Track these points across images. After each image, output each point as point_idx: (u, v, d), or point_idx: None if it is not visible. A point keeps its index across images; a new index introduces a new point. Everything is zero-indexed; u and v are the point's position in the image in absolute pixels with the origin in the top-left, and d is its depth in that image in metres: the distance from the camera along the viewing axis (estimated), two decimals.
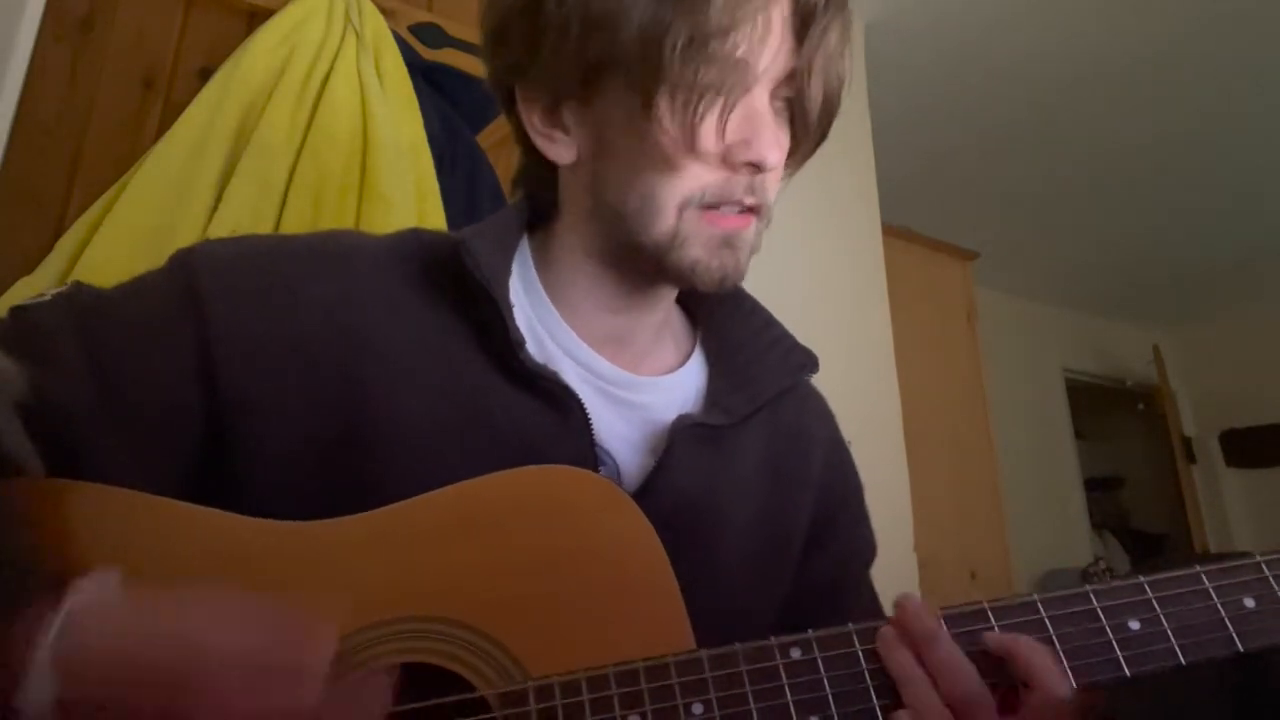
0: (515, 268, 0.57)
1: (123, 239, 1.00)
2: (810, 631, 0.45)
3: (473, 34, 1.39)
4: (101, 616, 0.36)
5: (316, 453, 0.48)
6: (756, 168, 0.51)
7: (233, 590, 0.39)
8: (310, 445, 0.48)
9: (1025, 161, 2.86)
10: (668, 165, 0.50)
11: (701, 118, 0.49)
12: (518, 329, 0.51)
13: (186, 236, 1.02)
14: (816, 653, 0.44)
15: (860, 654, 0.44)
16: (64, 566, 0.40)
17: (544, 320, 0.56)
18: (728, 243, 0.52)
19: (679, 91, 0.48)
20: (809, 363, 0.62)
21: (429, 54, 1.33)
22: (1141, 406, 4.36)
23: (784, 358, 0.62)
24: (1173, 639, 0.44)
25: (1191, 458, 4.17)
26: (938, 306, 2.50)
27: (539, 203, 0.60)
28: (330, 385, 0.49)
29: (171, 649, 0.36)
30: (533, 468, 0.48)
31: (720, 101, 0.49)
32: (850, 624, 0.45)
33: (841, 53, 0.52)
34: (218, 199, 1.06)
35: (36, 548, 0.40)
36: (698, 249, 0.52)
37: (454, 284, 0.52)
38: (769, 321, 0.64)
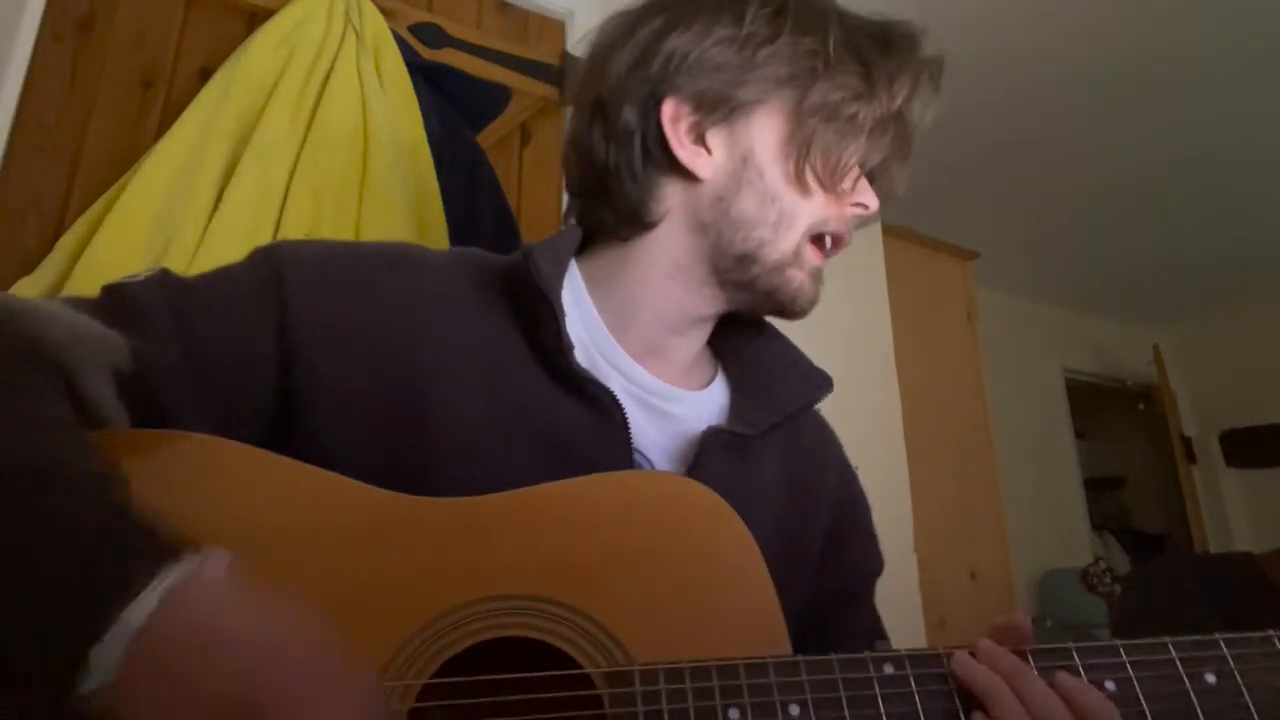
0: (565, 283, 0.62)
1: (123, 239, 1.00)
2: (903, 650, 0.48)
3: (473, 34, 1.39)
4: (203, 601, 0.36)
5: (377, 436, 0.52)
6: (865, 209, 0.63)
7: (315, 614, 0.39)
8: (372, 428, 0.52)
9: (1025, 162, 2.86)
10: (806, 192, 0.60)
11: (851, 167, 0.61)
12: (568, 335, 0.56)
13: (187, 236, 1.03)
14: (909, 669, 0.47)
15: (949, 675, 0.47)
16: (193, 521, 0.42)
17: (592, 333, 0.61)
18: (819, 275, 0.63)
19: (843, 145, 0.59)
20: (825, 384, 0.67)
21: (429, 54, 1.33)
22: (1141, 406, 4.36)
23: (803, 379, 0.67)
24: (1246, 695, 0.47)
25: (1191, 458, 4.17)
26: (938, 306, 2.50)
27: (592, 227, 0.65)
28: (395, 373, 0.53)
29: (257, 669, 0.35)
30: (642, 472, 0.55)
31: (862, 163, 0.61)
32: (941, 647, 0.48)
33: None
34: (218, 199, 1.06)
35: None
36: (805, 274, 0.62)
37: (510, 293, 0.58)
38: (787, 346, 0.69)
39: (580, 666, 0.46)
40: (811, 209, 0.61)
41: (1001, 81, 2.39)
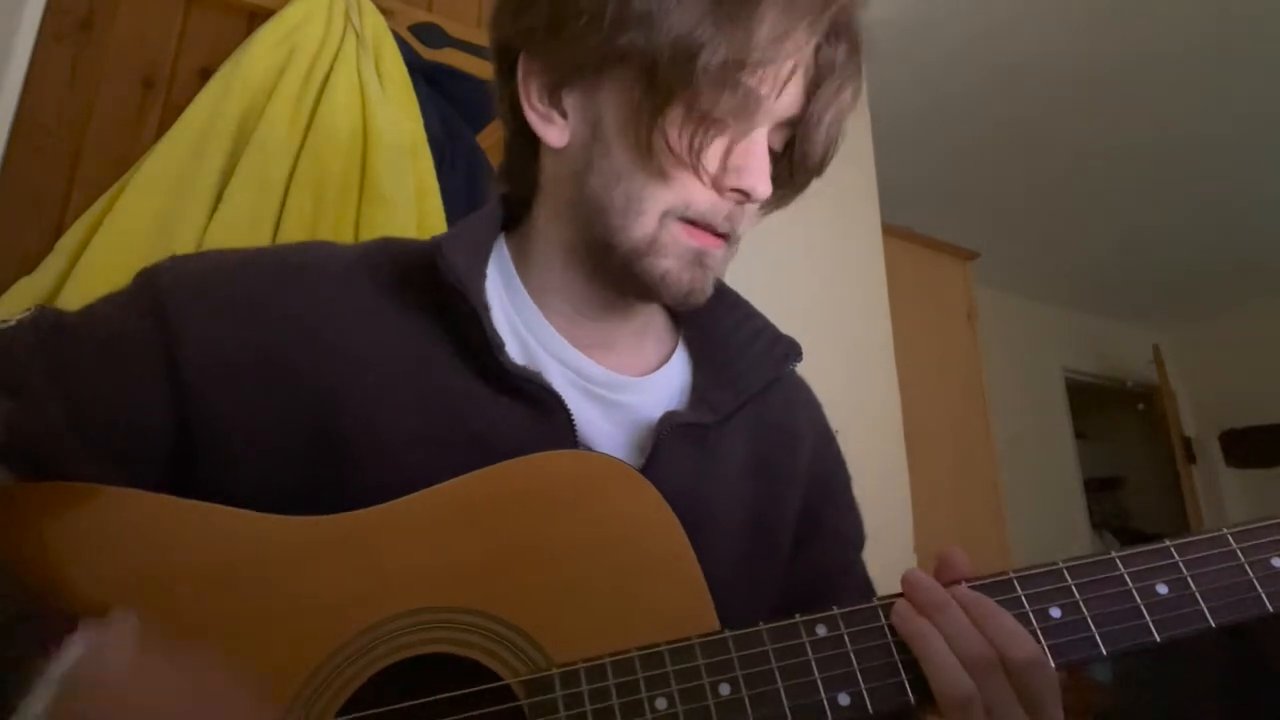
0: (493, 269, 0.57)
1: (123, 239, 1.00)
2: (835, 608, 0.45)
3: (473, 34, 1.39)
4: (102, 673, 0.36)
5: (292, 465, 0.47)
6: (745, 197, 0.52)
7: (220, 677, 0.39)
8: (285, 458, 0.47)
9: (1026, 161, 2.86)
10: (660, 173, 0.50)
11: (711, 140, 0.49)
12: (496, 332, 0.51)
13: (186, 237, 1.02)
14: (842, 628, 0.44)
15: (886, 628, 0.44)
16: (76, 575, 0.41)
17: (527, 321, 0.56)
18: (700, 259, 0.53)
19: (695, 109, 0.49)
20: (792, 353, 0.61)
21: (429, 54, 1.33)
22: (1141, 406, 4.36)
23: (768, 349, 0.61)
24: (1202, 602, 0.44)
25: (1191, 458, 4.17)
26: (938, 306, 2.50)
27: (515, 201, 0.59)
28: (303, 398, 0.48)
29: None
30: (547, 453, 0.48)
31: (730, 130, 0.50)
32: (875, 598, 0.45)
33: (847, 112, 0.54)
34: (218, 199, 1.06)
35: (37, 593, 0.40)
36: (671, 259, 0.52)
37: (428, 290, 0.52)
38: (750, 314, 0.63)
39: (499, 678, 0.43)
40: (667, 194, 0.51)
41: (1002, 81, 2.39)
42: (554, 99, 0.53)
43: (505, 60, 0.55)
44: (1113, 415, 4.60)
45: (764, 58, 0.48)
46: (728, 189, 0.51)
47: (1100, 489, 4.42)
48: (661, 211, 0.51)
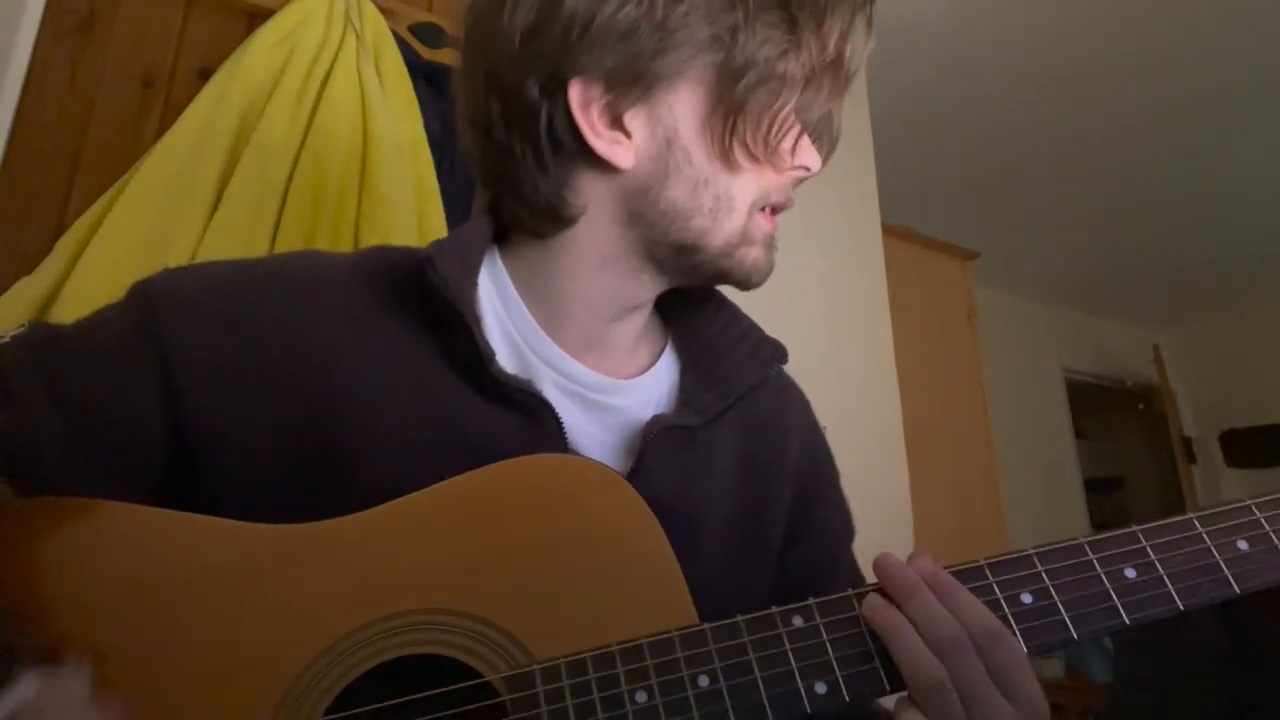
0: (487, 280, 0.57)
1: (123, 239, 1.00)
2: (811, 599, 0.46)
3: None
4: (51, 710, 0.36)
5: (287, 473, 0.48)
6: (807, 171, 0.58)
7: None
8: (280, 466, 0.48)
9: (1026, 161, 2.86)
10: (738, 168, 0.54)
11: (788, 133, 0.55)
12: (487, 342, 0.51)
13: (186, 237, 1.02)
14: (818, 618, 0.45)
15: (860, 617, 0.45)
16: (70, 584, 0.42)
17: (521, 330, 0.56)
18: (772, 242, 0.58)
19: (777, 107, 0.53)
20: (778, 355, 0.62)
21: (429, 54, 1.33)
22: (1141, 406, 4.36)
23: (754, 352, 0.62)
24: (1169, 584, 0.45)
25: (1191, 458, 4.17)
26: (938, 306, 2.50)
27: (504, 213, 0.58)
28: (298, 407, 0.49)
29: None
30: (528, 457, 0.49)
31: (800, 121, 0.56)
32: (850, 589, 0.46)
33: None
34: (218, 199, 1.06)
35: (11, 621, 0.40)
36: (758, 248, 0.57)
37: (421, 300, 0.52)
38: (737, 316, 0.64)
39: (481, 676, 0.43)
40: (750, 186, 0.55)
41: (1002, 81, 2.39)
42: (615, 121, 0.53)
43: (543, 89, 0.53)
44: (1113, 415, 4.61)
45: (835, 54, 0.53)
46: (790, 169, 0.57)
47: (1100, 489, 4.43)
48: (749, 204, 0.55)
